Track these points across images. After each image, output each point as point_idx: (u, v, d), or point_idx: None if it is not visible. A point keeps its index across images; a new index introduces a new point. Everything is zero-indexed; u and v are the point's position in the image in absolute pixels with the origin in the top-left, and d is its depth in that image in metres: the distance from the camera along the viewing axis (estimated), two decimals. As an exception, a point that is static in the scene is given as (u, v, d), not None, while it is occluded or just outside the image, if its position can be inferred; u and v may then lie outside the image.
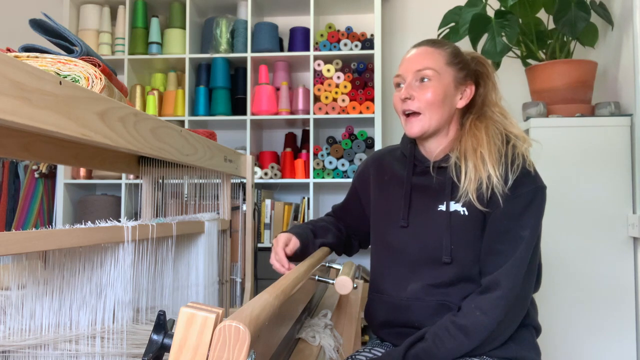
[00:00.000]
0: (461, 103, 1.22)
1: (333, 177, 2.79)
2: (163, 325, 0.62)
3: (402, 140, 1.34)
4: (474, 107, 1.24)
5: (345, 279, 1.18)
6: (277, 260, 1.23)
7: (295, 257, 1.27)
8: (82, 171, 2.94)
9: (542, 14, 2.41)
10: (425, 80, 1.18)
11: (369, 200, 1.35)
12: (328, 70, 2.82)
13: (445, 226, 1.17)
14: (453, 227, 1.16)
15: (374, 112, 2.77)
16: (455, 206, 1.17)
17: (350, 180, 2.75)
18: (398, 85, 1.23)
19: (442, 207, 1.18)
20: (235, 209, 1.65)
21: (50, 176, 2.94)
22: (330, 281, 1.26)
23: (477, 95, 1.25)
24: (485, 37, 2.26)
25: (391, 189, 1.29)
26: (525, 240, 1.11)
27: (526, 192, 1.13)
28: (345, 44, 2.84)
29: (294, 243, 1.27)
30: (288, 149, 2.95)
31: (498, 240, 1.13)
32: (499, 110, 1.23)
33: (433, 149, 1.24)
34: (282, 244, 1.25)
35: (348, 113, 2.80)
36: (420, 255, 1.20)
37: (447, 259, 1.15)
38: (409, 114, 1.21)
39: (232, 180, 1.60)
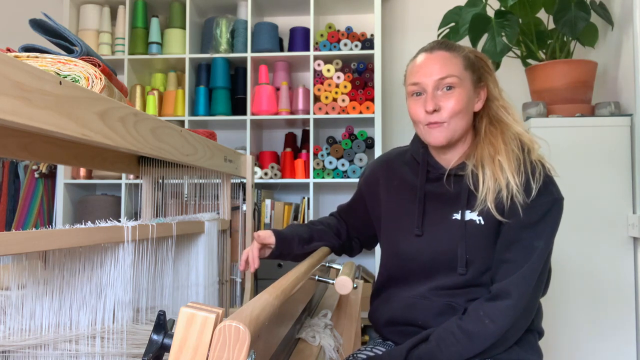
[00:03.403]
0: (477, 106, 1.19)
1: (333, 177, 2.79)
2: (163, 325, 0.62)
3: (413, 144, 1.29)
4: (484, 108, 1.21)
5: (345, 279, 1.18)
6: (251, 259, 1.25)
7: (270, 257, 1.30)
8: (82, 171, 2.94)
9: (542, 14, 2.41)
10: (449, 88, 1.14)
11: (377, 205, 1.32)
12: (328, 70, 2.82)
13: (461, 236, 1.14)
14: (468, 236, 1.14)
15: (374, 112, 2.77)
16: (470, 215, 1.15)
17: (350, 180, 2.75)
18: (415, 94, 1.17)
19: (457, 216, 1.16)
20: (235, 209, 1.65)
21: (50, 176, 2.94)
22: (330, 281, 1.25)
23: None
24: (485, 37, 2.26)
25: (402, 195, 1.26)
26: (538, 250, 1.09)
27: (544, 202, 1.10)
28: (345, 44, 2.84)
29: (269, 248, 1.29)
30: (288, 149, 2.95)
31: (511, 249, 1.11)
32: (502, 104, 1.19)
33: (449, 157, 1.20)
34: (259, 245, 1.27)
35: (348, 113, 2.80)
36: (433, 263, 1.18)
37: (462, 270, 1.14)
38: (432, 122, 1.15)
39: (232, 180, 1.60)
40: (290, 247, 1.28)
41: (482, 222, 1.14)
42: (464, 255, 1.14)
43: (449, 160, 1.21)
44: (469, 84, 1.16)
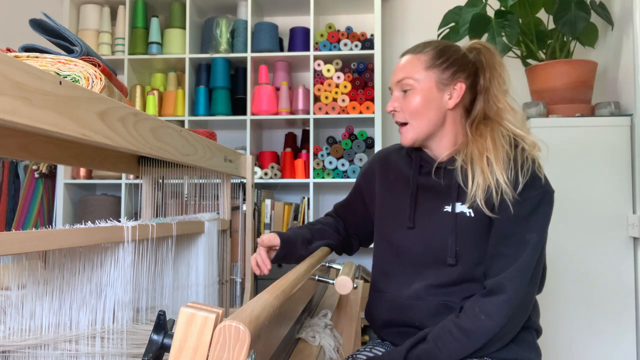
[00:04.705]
0: (451, 103, 1.19)
1: (333, 177, 2.79)
2: (163, 325, 0.62)
3: None
4: (477, 103, 1.21)
5: (345, 279, 1.18)
6: (261, 262, 1.24)
7: (275, 260, 1.28)
8: (82, 171, 2.94)
9: (542, 14, 2.41)
10: (407, 90, 1.20)
11: (374, 199, 1.34)
12: (328, 70, 2.82)
13: (451, 228, 1.16)
14: (458, 228, 1.15)
15: (374, 112, 2.77)
16: (461, 207, 1.16)
17: (350, 180, 2.75)
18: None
19: (448, 208, 1.18)
20: (235, 209, 1.65)
21: (50, 176, 2.94)
22: (330, 281, 1.25)
23: (478, 87, 1.22)
24: (485, 37, 2.26)
25: (397, 189, 1.28)
26: (531, 244, 1.10)
27: (533, 195, 1.11)
28: (345, 44, 2.84)
29: (274, 251, 1.27)
30: (288, 149, 2.95)
31: (504, 244, 1.12)
32: (501, 105, 1.19)
33: (436, 152, 1.23)
34: (266, 247, 1.26)
35: (348, 113, 2.80)
36: (425, 256, 1.19)
37: (452, 261, 1.15)
38: (400, 124, 1.24)
39: (232, 180, 1.60)
40: (294, 247, 1.28)
41: (472, 215, 1.15)
42: (454, 247, 1.15)
43: (437, 155, 1.23)
44: (431, 84, 1.19)
